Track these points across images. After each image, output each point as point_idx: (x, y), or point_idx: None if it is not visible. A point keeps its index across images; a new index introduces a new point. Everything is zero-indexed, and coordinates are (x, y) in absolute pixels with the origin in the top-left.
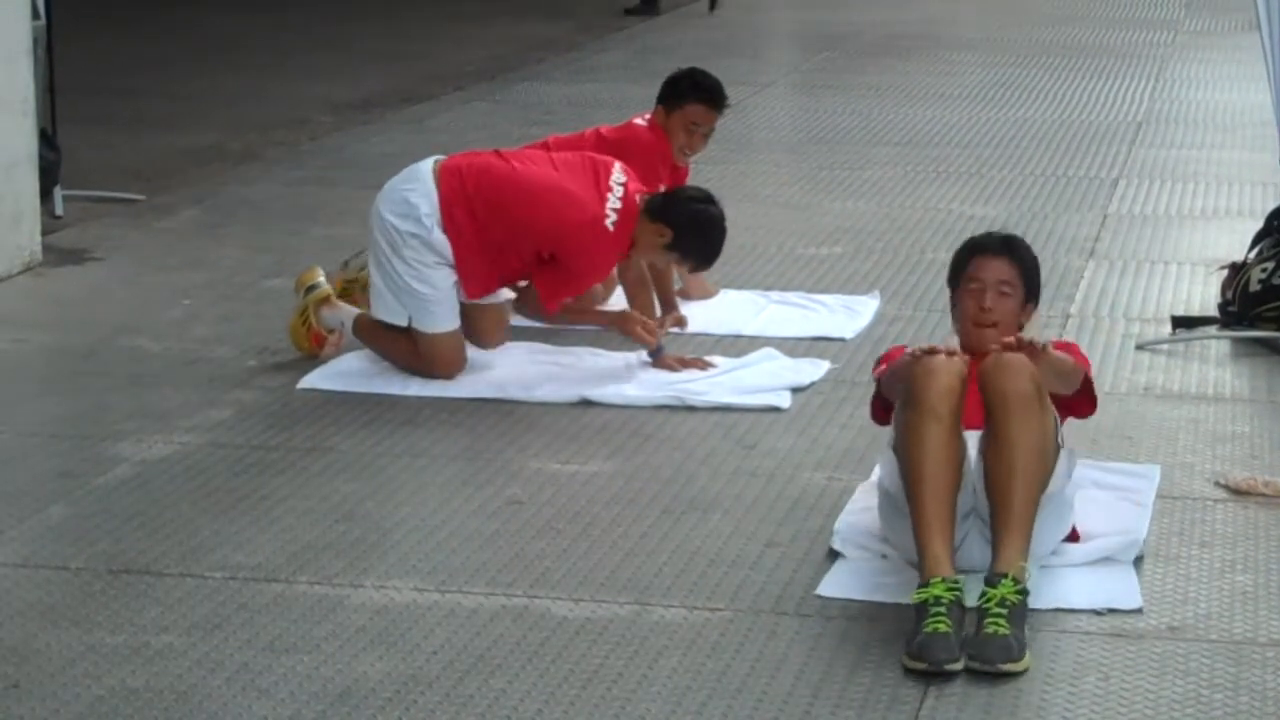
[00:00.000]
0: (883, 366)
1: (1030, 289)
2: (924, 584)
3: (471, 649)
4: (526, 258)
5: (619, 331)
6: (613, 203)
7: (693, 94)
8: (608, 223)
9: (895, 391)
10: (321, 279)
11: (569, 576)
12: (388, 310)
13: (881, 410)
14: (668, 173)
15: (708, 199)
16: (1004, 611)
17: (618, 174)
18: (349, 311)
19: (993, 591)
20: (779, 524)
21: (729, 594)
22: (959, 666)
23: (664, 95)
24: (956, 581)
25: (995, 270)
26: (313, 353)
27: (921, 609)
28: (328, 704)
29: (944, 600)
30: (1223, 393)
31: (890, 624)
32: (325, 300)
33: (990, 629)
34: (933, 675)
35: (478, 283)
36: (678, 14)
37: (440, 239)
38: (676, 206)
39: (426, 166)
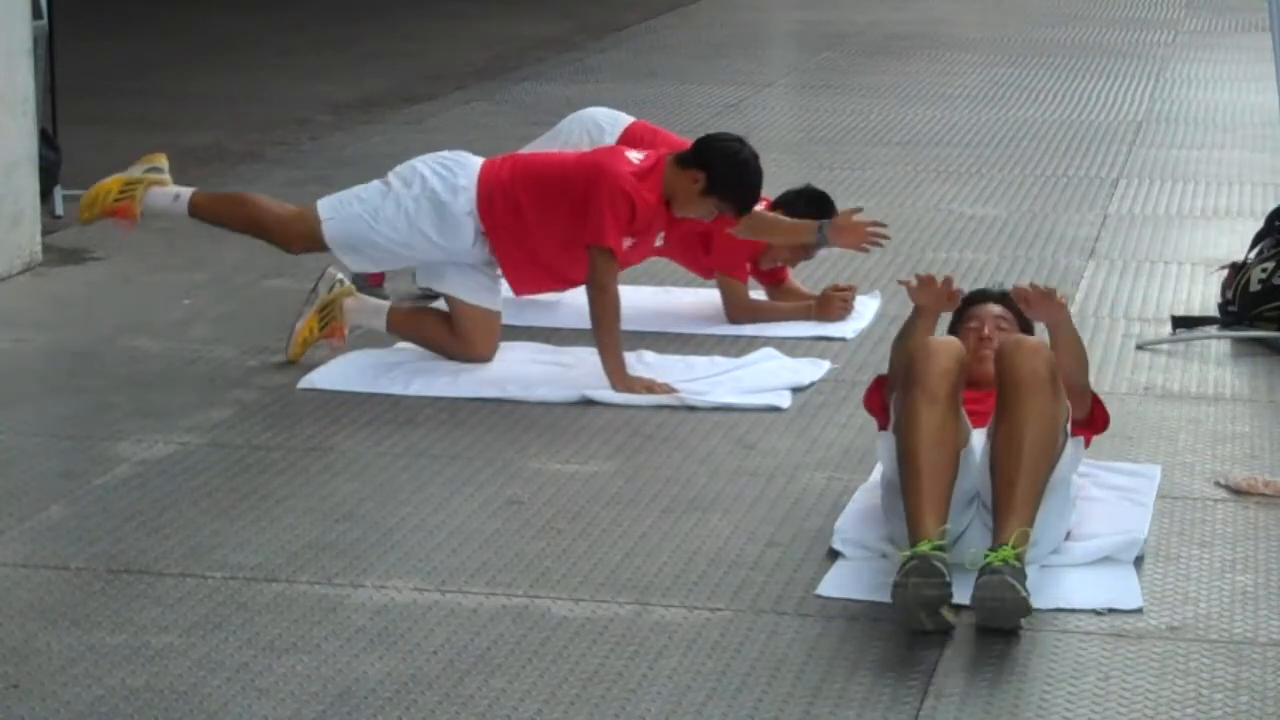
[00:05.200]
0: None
1: (1026, 333)
2: (912, 545)
3: (471, 649)
4: (561, 233)
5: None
6: (633, 154)
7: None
8: (630, 155)
9: (896, 367)
10: (165, 165)
11: (569, 576)
12: (337, 197)
13: (878, 404)
14: (758, 251)
15: (737, 139)
16: (1004, 566)
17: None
18: (377, 305)
19: (993, 554)
20: (779, 524)
21: (729, 594)
22: (949, 577)
23: (793, 206)
24: (942, 543)
25: (991, 310)
26: (105, 214)
27: (906, 559)
28: (328, 704)
29: (930, 550)
30: (1223, 393)
31: (890, 624)
32: (350, 294)
33: (993, 576)
34: (945, 644)
35: (523, 273)
36: (678, 13)
37: (458, 213)
38: (706, 150)
39: (476, 158)
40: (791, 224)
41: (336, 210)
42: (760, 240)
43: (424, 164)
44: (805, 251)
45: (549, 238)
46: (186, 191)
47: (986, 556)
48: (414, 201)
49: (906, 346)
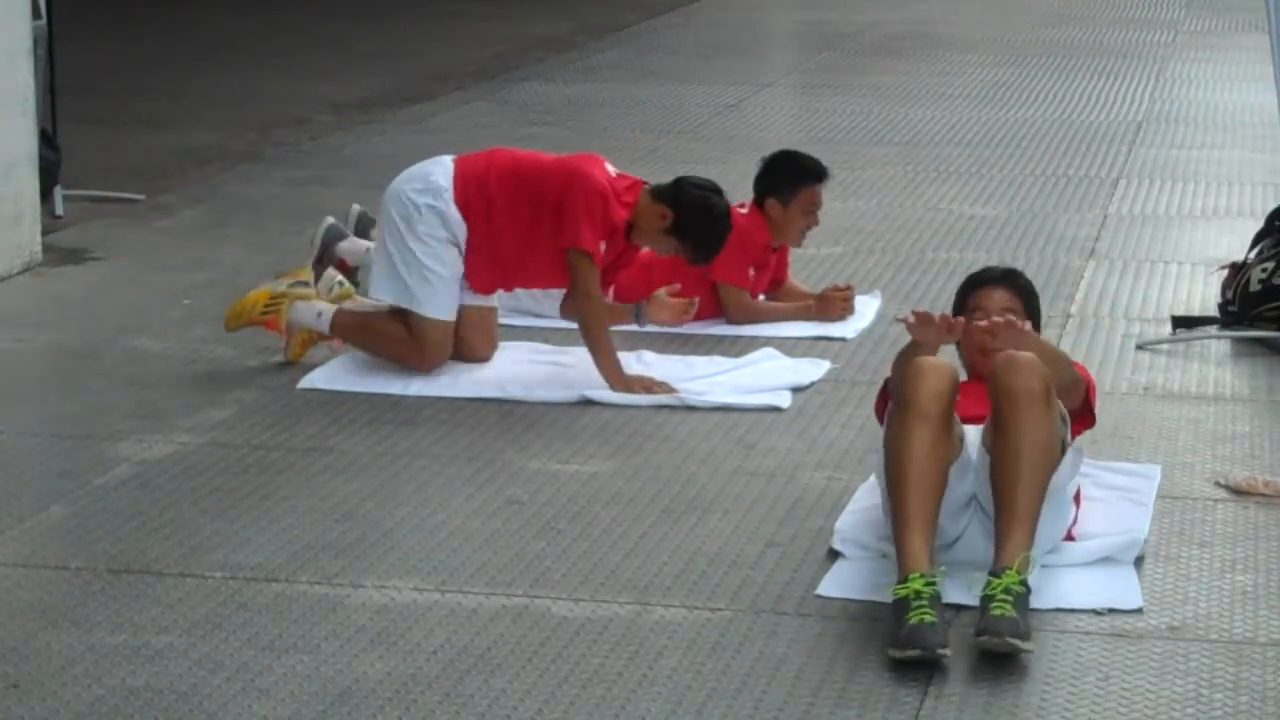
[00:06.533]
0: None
1: (1032, 317)
2: (902, 580)
3: (471, 649)
4: (530, 235)
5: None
6: (611, 168)
7: (805, 178)
8: (609, 169)
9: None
10: (311, 279)
11: (569, 576)
12: (393, 290)
13: (883, 409)
14: (766, 256)
15: (715, 189)
16: (1009, 598)
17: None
18: (374, 308)
19: (997, 581)
20: (779, 524)
21: (729, 594)
22: (949, 653)
23: (773, 187)
24: (934, 578)
25: (998, 299)
26: (252, 325)
27: (902, 604)
28: (328, 704)
29: (924, 595)
30: (1223, 393)
31: (890, 624)
32: (349, 297)
33: (997, 611)
34: (924, 664)
35: (484, 273)
36: (678, 13)
37: (455, 215)
38: (682, 191)
39: (447, 156)
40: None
41: (430, 301)
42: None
43: (404, 190)
44: (811, 220)
45: (513, 236)
46: (329, 311)
47: (989, 585)
48: (427, 226)
49: (901, 367)
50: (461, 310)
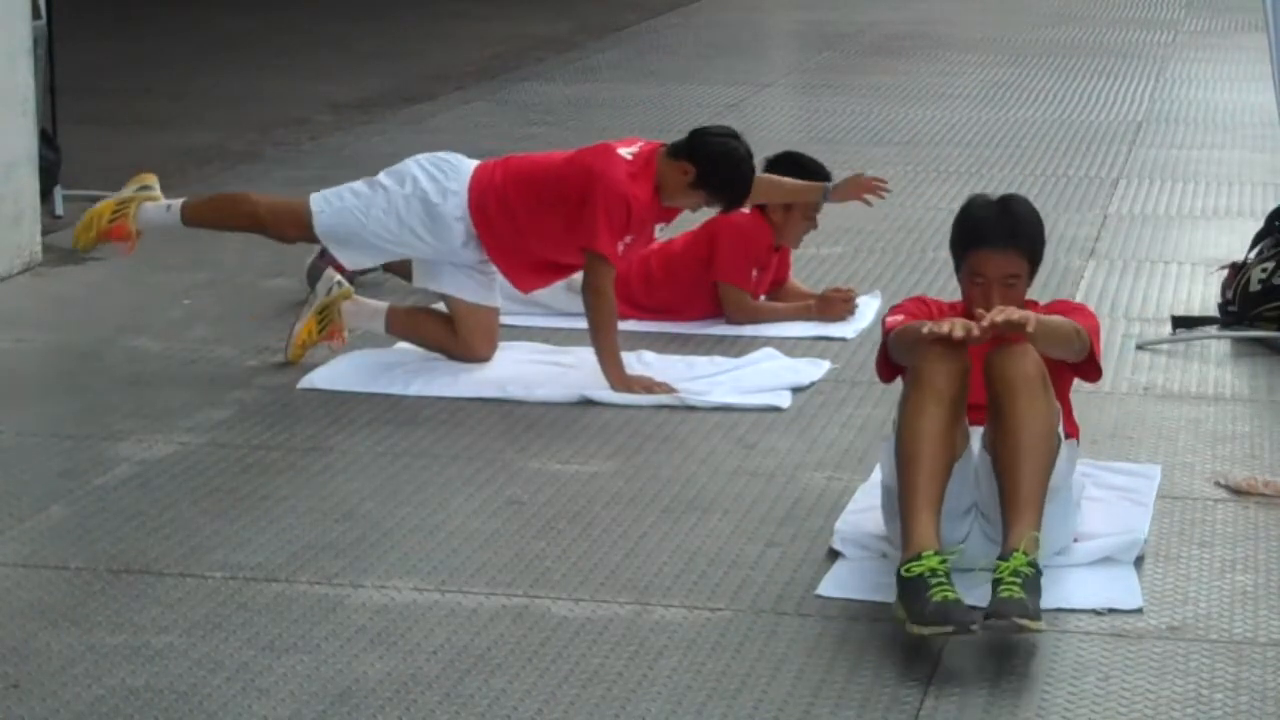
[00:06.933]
0: (899, 317)
1: (1035, 262)
2: (914, 557)
3: (471, 649)
4: (555, 233)
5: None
6: (624, 150)
7: (809, 180)
8: (622, 152)
9: (901, 356)
10: (155, 184)
11: (569, 576)
12: (332, 192)
13: (887, 368)
14: (768, 258)
15: (732, 134)
16: (1018, 580)
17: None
18: (375, 307)
19: (1005, 564)
20: (779, 524)
21: (729, 594)
22: (979, 628)
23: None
24: (947, 555)
25: (999, 265)
26: (101, 238)
27: (919, 582)
28: (328, 704)
29: (940, 572)
30: (1223, 393)
31: (890, 624)
32: (348, 296)
33: (1005, 593)
34: (932, 652)
35: (523, 272)
36: (678, 13)
37: (451, 220)
38: (698, 143)
39: (470, 161)
40: (796, 185)
41: (328, 204)
42: (766, 202)
43: (417, 164)
44: (811, 224)
45: (543, 238)
46: (177, 202)
47: (997, 569)
48: (404, 200)
49: (917, 349)
50: (463, 309)
